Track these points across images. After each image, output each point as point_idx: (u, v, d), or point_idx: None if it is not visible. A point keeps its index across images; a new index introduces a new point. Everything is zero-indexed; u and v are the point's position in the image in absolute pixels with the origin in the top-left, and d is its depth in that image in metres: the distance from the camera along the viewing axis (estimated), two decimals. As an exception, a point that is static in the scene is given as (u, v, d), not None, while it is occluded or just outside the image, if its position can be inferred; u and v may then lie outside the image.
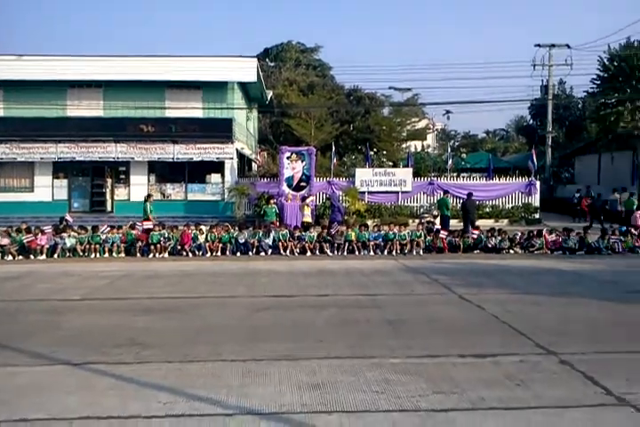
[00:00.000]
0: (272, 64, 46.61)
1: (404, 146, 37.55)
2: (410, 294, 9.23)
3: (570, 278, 11.08)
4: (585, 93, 30.31)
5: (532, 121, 46.44)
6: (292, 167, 21.57)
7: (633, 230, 16.29)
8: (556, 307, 8.13)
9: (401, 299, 8.85)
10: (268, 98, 31.60)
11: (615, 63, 25.23)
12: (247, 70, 23.66)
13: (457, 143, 63.43)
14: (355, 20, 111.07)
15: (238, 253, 14.78)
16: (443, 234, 15.63)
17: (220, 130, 23.31)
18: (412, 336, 6.41)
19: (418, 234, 15.43)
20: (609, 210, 23.67)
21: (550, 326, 6.85)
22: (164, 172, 24.71)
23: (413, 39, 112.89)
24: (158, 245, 14.65)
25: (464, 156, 35.19)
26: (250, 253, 14.81)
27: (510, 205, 23.79)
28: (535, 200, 24.08)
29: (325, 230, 15.60)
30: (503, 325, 6.95)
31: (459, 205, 23.04)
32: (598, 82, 26.31)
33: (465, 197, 19.74)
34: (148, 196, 18.60)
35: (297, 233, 15.39)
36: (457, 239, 15.58)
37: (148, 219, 16.71)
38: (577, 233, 15.72)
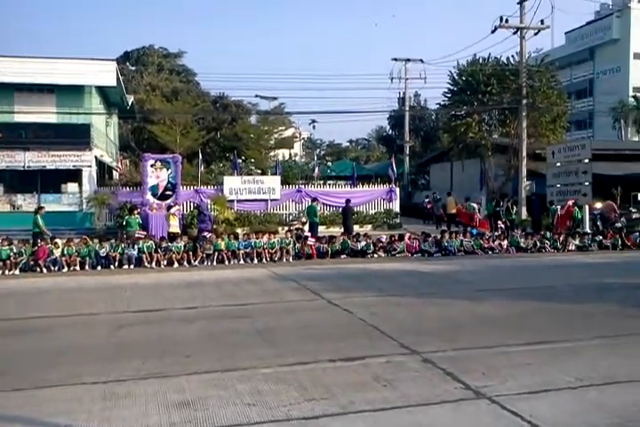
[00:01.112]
0: (133, 68, 44.81)
1: (271, 154, 37.85)
2: (279, 302, 9.24)
3: (429, 280, 11.73)
4: (437, 105, 32.42)
5: (391, 131, 48.92)
6: (157, 175, 20.78)
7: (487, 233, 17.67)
8: (418, 307, 8.55)
9: (271, 307, 8.83)
10: (129, 103, 30.27)
11: (463, 78, 27.28)
12: (106, 74, 22.51)
13: (323, 152, 65.22)
14: (219, 28, 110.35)
15: (99, 268, 13.95)
16: (311, 241, 15.90)
17: (76, 136, 21.94)
18: (282, 344, 6.39)
19: (287, 241, 15.56)
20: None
21: (413, 327, 7.18)
22: (14, 181, 22.75)
23: (280, 50, 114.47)
24: (8, 262, 13.42)
25: (330, 164, 36.23)
26: (112, 266, 14.04)
27: (373, 211, 24.78)
28: (395, 206, 25.31)
29: (192, 240, 15.23)
30: (370, 327, 7.16)
31: (326, 212, 23.64)
32: (449, 95, 28.28)
33: (335, 203, 20.56)
34: (39, 208, 16.88)
35: (163, 244, 14.85)
36: (325, 245, 15.91)
37: (40, 233, 15.32)
38: (434, 237, 16.75)
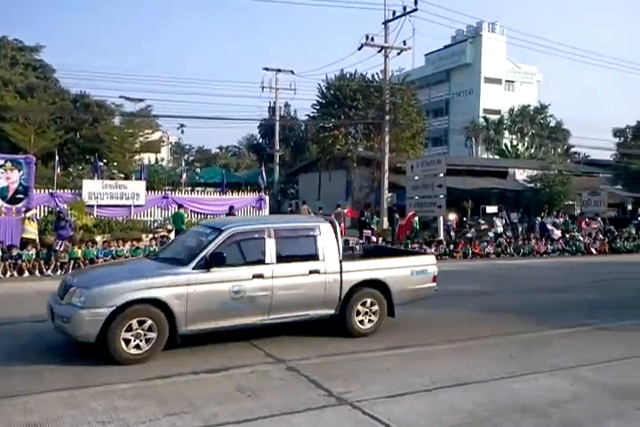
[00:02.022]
0: (-19, 60, 40.94)
1: (136, 158, 36.33)
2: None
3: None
4: (307, 117, 33.11)
5: (261, 139, 49.12)
6: (7, 177, 19.02)
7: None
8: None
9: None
10: (-24, 98, 27.64)
11: (331, 91, 28.17)
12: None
13: (191, 157, 63.82)
14: (81, 22, 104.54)
15: None
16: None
17: None
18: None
19: (151, 249, 14.99)
20: None
21: (280, 335, 7.21)
22: None
23: (148, 50, 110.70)
24: None
25: (198, 170, 35.53)
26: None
27: (242, 219, 24.66)
28: (265, 214, 25.39)
29: (46, 248, 14.19)
30: (236, 337, 7.08)
31: (194, 220, 23.12)
32: (318, 107, 29.06)
33: (203, 211, 20.20)
34: None
35: (14, 252, 13.67)
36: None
37: None
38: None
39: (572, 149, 54.16)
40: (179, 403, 4.70)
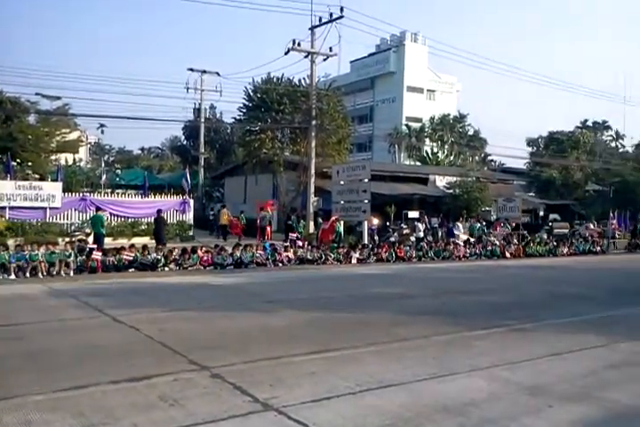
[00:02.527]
0: None
1: (53, 158, 34.74)
2: (57, 321, 8.45)
3: (220, 292, 11.74)
4: (233, 119, 32.83)
5: (185, 141, 48.21)
6: None
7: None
8: (208, 321, 8.47)
9: (47, 327, 8.03)
10: None
11: (258, 95, 28.09)
12: None
13: (112, 158, 61.75)
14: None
15: None
16: (97, 254, 14.87)
17: None
18: (58, 368, 5.84)
19: (67, 253, 14.35)
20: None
21: (203, 341, 7.09)
22: None
23: (65, 47, 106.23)
24: None
25: (119, 172, 34.43)
26: None
27: (165, 223, 24.07)
28: (189, 218, 24.94)
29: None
30: (158, 344, 6.90)
31: (114, 223, 22.37)
32: (244, 110, 28.88)
33: (124, 213, 19.69)
34: None
35: None
36: (111, 258, 15.01)
37: None
38: (232, 248, 16.84)
39: (489, 158, 56.65)
40: (97, 414, 4.51)
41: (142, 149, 72.44)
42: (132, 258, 15.26)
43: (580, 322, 8.72)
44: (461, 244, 21.90)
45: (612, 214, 30.87)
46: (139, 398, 4.93)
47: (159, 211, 19.99)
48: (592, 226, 30.60)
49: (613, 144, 63.34)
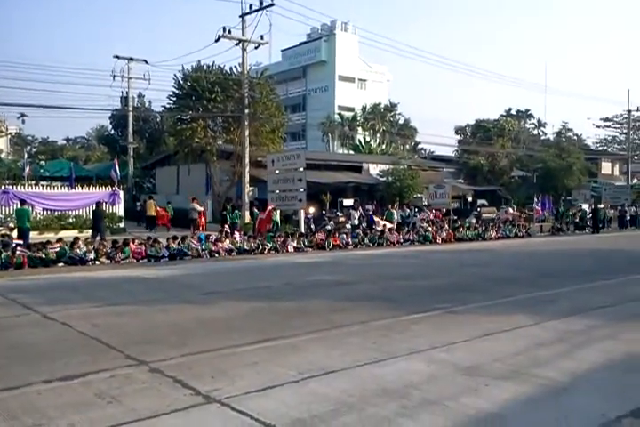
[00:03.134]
0: None
1: (-31, 149, 32.85)
2: (-19, 320, 8.03)
3: (155, 285, 11.48)
4: (163, 108, 31.97)
5: (113, 131, 46.60)
6: None
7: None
8: (144, 315, 8.26)
9: (-30, 327, 7.61)
10: None
11: (189, 83, 27.44)
12: None
13: (34, 149, 58.91)
14: None
15: None
16: (21, 250, 14.19)
17: None
18: (-15, 369, 5.55)
19: (-11, 250, 13.64)
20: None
21: (139, 336, 6.91)
22: None
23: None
24: None
25: (43, 163, 32.93)
26: None
27: (94, 215, 23.26)
28: (119, 210, 24.21)
29: None
30: (92, 340, 6.67)
31: (39, 217, 21.44)
32: (174, 98, 28.16)
33: (50, 206, 18.91)
34: None
35: None
36: (38, 253, 14.38)
37: None
38: (167, 240, 16.48)
39: (419, 146, 57.86)
40: (31, 416, 4.32)
41: (67, 140, 69.55)
42: (58, 252, 14.67)
43: (509, 303, 9.09)
44: (383, 229, 22.44)
45: (536, 199, 32.28)
46: (74, 396, 4.76)
47: (98, 203, 19.54)
48: (511, 210, 31.85)
49: (536, 132, 66.14)
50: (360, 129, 53.46)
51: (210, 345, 6.36)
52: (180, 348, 6.27)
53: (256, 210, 22.62)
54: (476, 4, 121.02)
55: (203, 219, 24.33)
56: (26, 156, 27.80)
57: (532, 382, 5.06)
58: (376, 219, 24.41)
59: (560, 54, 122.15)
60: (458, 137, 48.13)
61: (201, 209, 24.23)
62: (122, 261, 15.29)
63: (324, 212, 26.27)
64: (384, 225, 23.45)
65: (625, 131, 68.16)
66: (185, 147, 27.86)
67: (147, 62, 33.02)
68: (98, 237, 17.36)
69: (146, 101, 44.14)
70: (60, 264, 14.49)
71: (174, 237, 16.83)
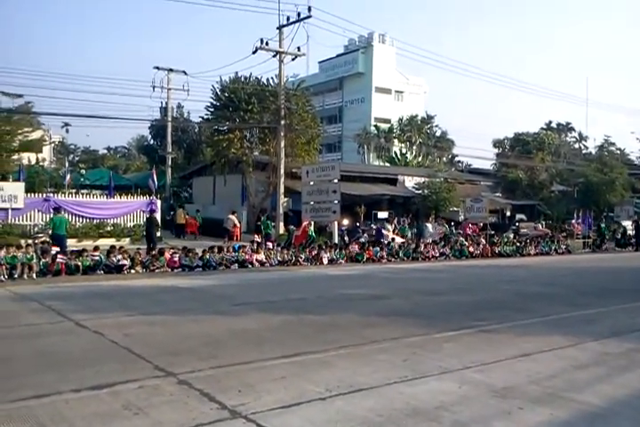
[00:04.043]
0: None
1: (14, 157, 33.81)
2: (17, 326, 8.17)
3: (188, 295, 11.53)
4: (201, 119, 32.45)
5: (152, 141, 47.52)
6: None
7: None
8: (175, 325, 8.29)
9: (6, 333, 7.74)
10: None
11: (226, 94, 27.79)
12: None
13: (77, 158, 60.55)
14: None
15: None
16: (61, 258, 14.47)
17: None
18: (17, 376, 5.61)
19: (29, 256, 13.94)
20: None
21: (170, 346, 6.92)
22: None
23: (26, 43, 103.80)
24: None
25: (83, 172, 33.72)
26: None
27: (132, 224, 23.68)
28: (157, 218, 24.52)
29: None
30: (123, 350, 6.71)
31: (78, 224, 21.89)
32: (212, 109, 28.55)
33: (88, 214, 19.37)
34: None
35: None
36: (76, 261, 14.64)
37: None
38: (202, 251, 16.62)
39: (457, 159, 57.26)
40: (58, 424, 4.33)
41: (108, 149, 71.25)
42: (97, 260, 14.91)
43: (548, 322, 8.81)
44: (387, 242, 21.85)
45: (576, 215, 31.50)
46: (102, 407, 4.76)
47: (152, 211, 20.00)
48: (540, 227, 31.07)
49: (577, 145, 64.77)
50: (396, 141, 53.25)
51: (239, 358, 6.32)
52: (209, 360, 6.24)
53: (292, 226, 22.60)
54: (518, 19, 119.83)
55: (237, 230, 24.53)
56: (67, 164, 28.50)
57: (568, 406, 4.85)
58: (385, 233, 23.86)
59: (602, 67, 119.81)
60: (496, 150, 47.48)
61: (238, 224, 24.50)
62: (157, 270, 15.45)
63: (358, 224, 26.12)
64: (392, 239, 22.77)
65: (670, 145, 66.21)
66: (221, 157, 28.16)
67: (186, 73, 33.63)
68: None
69: (184, 112, 44.99)
70: (100, 272, 14.72)
71: (211, 248, 16.94)
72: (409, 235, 24.78)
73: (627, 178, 38.22)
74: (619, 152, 60.75)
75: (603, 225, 32.22)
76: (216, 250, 16.82)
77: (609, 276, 17.14)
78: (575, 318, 9.26)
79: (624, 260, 23.57)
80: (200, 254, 16.38)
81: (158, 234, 23.94)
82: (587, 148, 63.70)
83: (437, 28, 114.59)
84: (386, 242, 21.77)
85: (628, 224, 33.12)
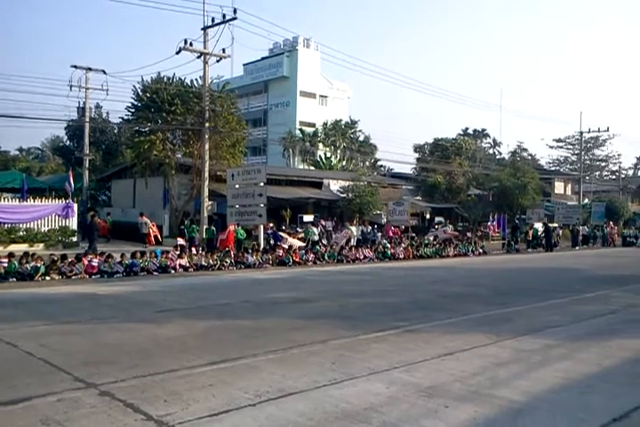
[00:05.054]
0: None
1: None
2: None
3: (107, 302, 11.10)
4: (121, 120, 31.38)
5: (68, 142, 45.48)
6: None
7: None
8: (95, 334, 7.95)
9: None
10: None
11: (148, 95, 27.03)
12: None
13: (-16, 159, 56.99)
14: None
15: None
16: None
17: None
18: None
19: None
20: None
21: (90, 356, 6.62)
22: None
23: None
24: None
25: (-7, 174, 31.79)
26: None
27: (46, 229, 22.58)
28: (73, 223, 23.52)
29: None
30: (39, 361, 6.36)
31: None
32: (133, 110, 27.67)
33: None
34: None
35: None
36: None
37: None
38: (121, 256, 16.07)
39: (379, 163, 58.39)
40: (-33, 445, 4.05)
41: (20, 150, 67.58)
42: (7, 267, 14.10)
43: (467, 321, 9.13)
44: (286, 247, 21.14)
45: (491, 217, 32.85)
46: (17, 422, 4.49)
47: (93, 215, 19.39)
48: (449, 230, 32.19)
49: (491, 151, 67.65)
50: (321, 145, 53.63)
51: (164, 366, 6.14)
52: (132, 369, 6.02)
53: (213, 228, 22.26)
54: (439, 29, 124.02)
55: (152, 233, 24.11)
56: (-25, 166, 26.75)
57: (490, 402, 5.03)
58: (284, 236, 23.00)
59: (516, 76, 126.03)
60: (416, 155, 48.79)
61: (150, 223, 24.07)
62: (74, 277, 14.79)
63: (283, 227, 26.10)
64: (290, 246, 21.53)
65: (577, 151, 70.52)
66: (143, 159, 27.33)
67: (105, 73, 32.36)
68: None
69: (103, 112, 43.35)
70: (12, 279, 13.92)
71: (132, 254, 16.40)
72: (316, 238, 24.53)
73: (538, 182, 40.27)
74: (530, 158, 64.06)
75: (516, 227, 33.79)
76: (138, 255, 16.31)
77: (524, 276, 17.99)
78: (494, 316, 9.64)
79: (536, 260, 24.82)
80: (119, 260, 15.83)
81: (74, 239, 22.97)
82: (500, 153, 66.72)
83: (365, 35, 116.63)
84: (286, 246, 21.20)
85: (539, 226, 34.97)
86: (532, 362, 6.53)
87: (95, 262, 15.48)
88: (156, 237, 24.28)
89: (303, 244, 22.84)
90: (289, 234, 24.41)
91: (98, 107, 42.14)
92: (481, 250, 27.75)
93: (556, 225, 35.34)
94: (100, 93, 33.79)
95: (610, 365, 6.47)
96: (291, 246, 21.08)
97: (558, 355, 6.89)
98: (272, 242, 21.90)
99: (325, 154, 51.86)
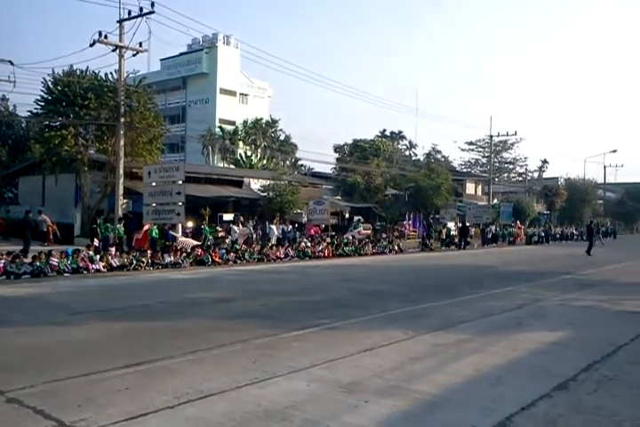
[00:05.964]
0: None
1: None
2: None
3: (14, 305, 10.56)
4: (29, 113, 29.76)
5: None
6: None
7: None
8: (3, 339, 7.52)
9: None
10: None
11: (59, 88, 25.81)
12: None
13: None
14: None
15: None
16: None
17: None
18: None
19: None
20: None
21: (-5, 362, 6.27)
22: None
23: None
24: None
25: None
26: None
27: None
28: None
29: None
30: (-63, 370, 5.94)
31: None
32: (43, 104, 26.34)
33: None
34: None
35: None
36: None
37: None
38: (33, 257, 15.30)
39: (300, 162, 58.67)
40: None
41: None
42: None
43: (385, 317, 9.37)
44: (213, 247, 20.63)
45: (407, 216, 33.76)
46: None
47: (27, 211, 18.41)
48: (362, 230, 32.92)
49: (407, 153, 69.64)
50: (241, 143, 53.18)
51: (78, 370, 5.89)
52: (42, 374, 5.75)
53: (120, 226, 21.50)
54: (360, 29, 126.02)
55: (51, 230, 23.41)
56: None
57: (408, 396, 5.20)
58: (174, 234, 21.41)
59: (431, 81, 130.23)
60: (336, 155, 49.42)
61: (49, 221, 23.31)
62: (-24, 279, 13.91)
63: (202, 226, 25.67)
64: (182, 247, 19.95)
65: (487, 154, 73.83)
66: (53, 155, 26.03)
67: (12, 63, 30.56)
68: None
69: (10, 105, 40.96)
70: None
71: (39, 253, 15.60)
72: (235, 237, 24.13)
73: (451, 183, 41.85)
74: (443, 159, 66.42)
75: (431, 226, 35.01)
76: (43, 256, 15.49)
77: (438, 273, 18.66)
78: (410, 312, 9.95)
79: (450, 258, 25.79)
80: (30, 261, 15.04)
81: None
82: (416, 155, 68.82)
83: (285, 32, 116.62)
84: (178, 247, 19.89)
85: (451, 225, 36.37)
86: (445, 356, 6.80)
87: (1, 263, 14.61)
88: (55, 234, 23.42)
89: (198, 242, 21.99)
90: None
91: (4, 99, 39.85)
92: (397, 248, 28.49)
93: (469, 224, 36.83)
94: (6, 85, 31.86)
95: (517, 356, 6.84)
96: (182, 247, 20.22)
97: (470, 349, 7.21)
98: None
99: (246, 152, 51.50)
